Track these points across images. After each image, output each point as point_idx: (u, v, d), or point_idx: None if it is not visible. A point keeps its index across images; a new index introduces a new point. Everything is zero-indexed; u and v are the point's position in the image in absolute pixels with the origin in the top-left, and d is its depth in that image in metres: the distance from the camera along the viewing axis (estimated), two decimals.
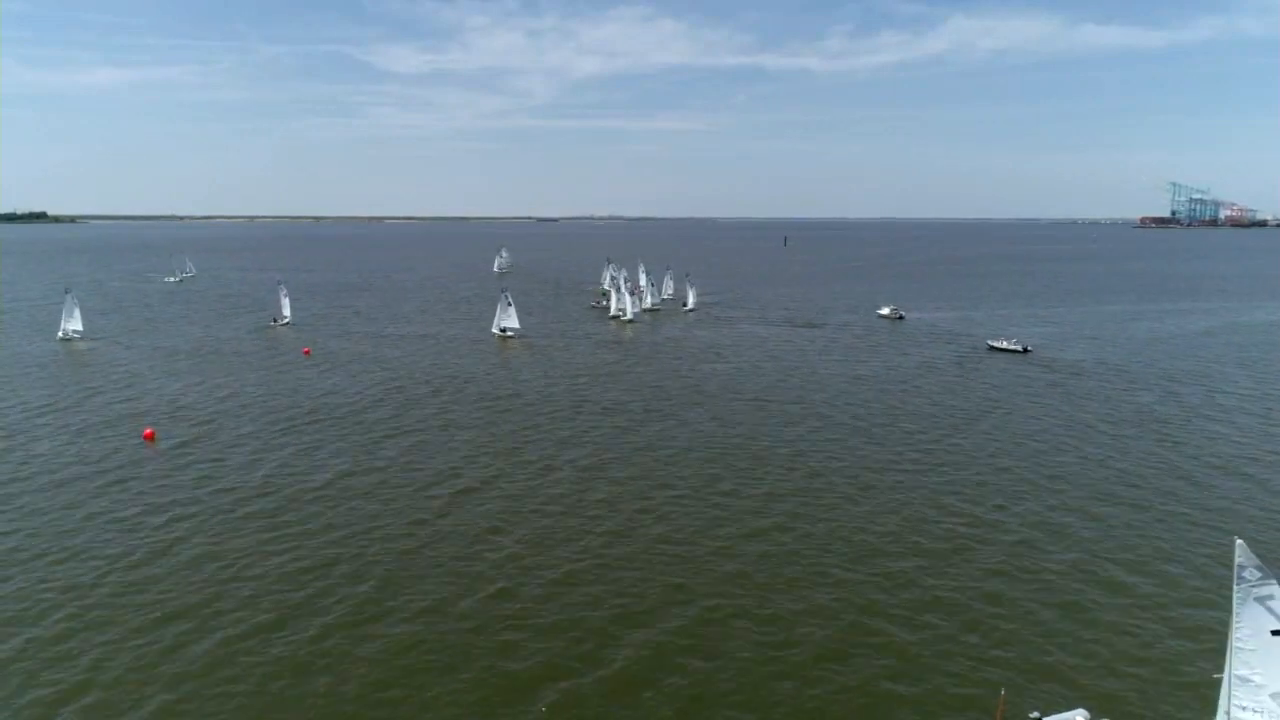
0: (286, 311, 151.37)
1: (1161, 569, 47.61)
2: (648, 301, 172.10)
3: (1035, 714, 31.18)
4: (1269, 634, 26.20)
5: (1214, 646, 36.12)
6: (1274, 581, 26.29)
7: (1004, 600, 43.76)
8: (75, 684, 36.28)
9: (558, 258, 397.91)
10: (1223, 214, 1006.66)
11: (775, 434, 75.56)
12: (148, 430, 75.78)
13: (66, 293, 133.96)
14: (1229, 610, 27.72)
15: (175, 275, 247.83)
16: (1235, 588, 26.61)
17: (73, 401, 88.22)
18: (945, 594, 44.42)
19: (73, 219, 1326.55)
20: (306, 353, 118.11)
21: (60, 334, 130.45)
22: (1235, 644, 26.67)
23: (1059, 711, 32.53)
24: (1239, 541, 26.97)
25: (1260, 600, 26.18)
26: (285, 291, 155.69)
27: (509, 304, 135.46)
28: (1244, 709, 26.45)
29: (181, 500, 58.43)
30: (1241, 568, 26.46)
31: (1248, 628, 26.52)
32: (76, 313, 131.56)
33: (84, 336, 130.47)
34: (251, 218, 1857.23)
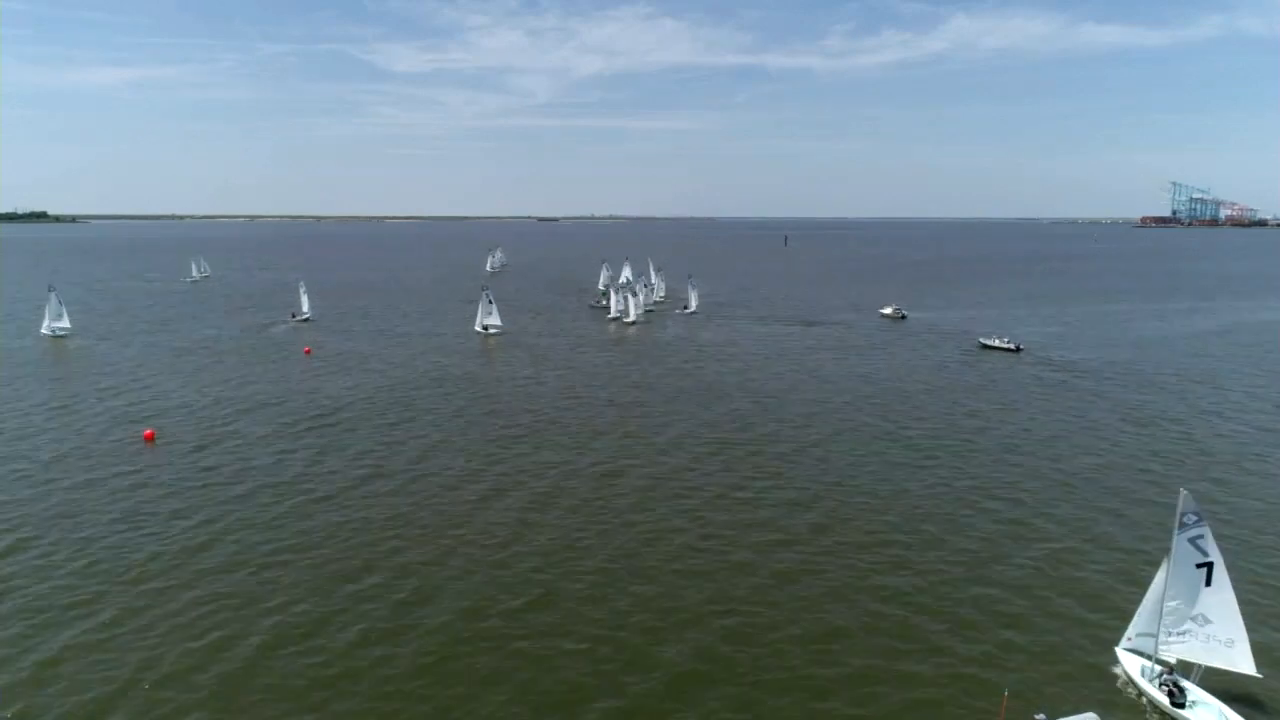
0: (305, 307, 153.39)
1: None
2: (642, 303, 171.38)
3: (1040, 716, 30.99)
4: (1194, 567, 29.49)
5: None
6: (1205, 524, 29.53)
7: (1010, 600, 43.80)
8: (92, 692, 36.20)
9: (559, 257, 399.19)
10: (1223, 214, 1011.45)
11: (786, 435, 76.20)
12: (148, 431, 74.93)
13: (50, 290, 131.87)
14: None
15: (194, 274, 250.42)
16: (1176, 532, 29.81)
17: (71, 401, 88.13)
18: (949, 594, 44.57)
19: (73, 218, 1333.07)
20: (308, 352, 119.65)
21: (47, 330, 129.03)
22: (1170, 578, 29.88)
23: (1066, 714, 31.98)
24: (1184, 491, 30.13)
25: (1192, 540, 29.48)
26: (304, 288, 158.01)
27: (490, 302, 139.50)
28: (1170, 634, 29.69)
29: (185, 501, 58.27)
30: (1183, 514, 29.67)
31: (1181, 563, 29.76)
32: (63, 310, 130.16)
33: (72, 334, 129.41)
34: (252, 217, 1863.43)
